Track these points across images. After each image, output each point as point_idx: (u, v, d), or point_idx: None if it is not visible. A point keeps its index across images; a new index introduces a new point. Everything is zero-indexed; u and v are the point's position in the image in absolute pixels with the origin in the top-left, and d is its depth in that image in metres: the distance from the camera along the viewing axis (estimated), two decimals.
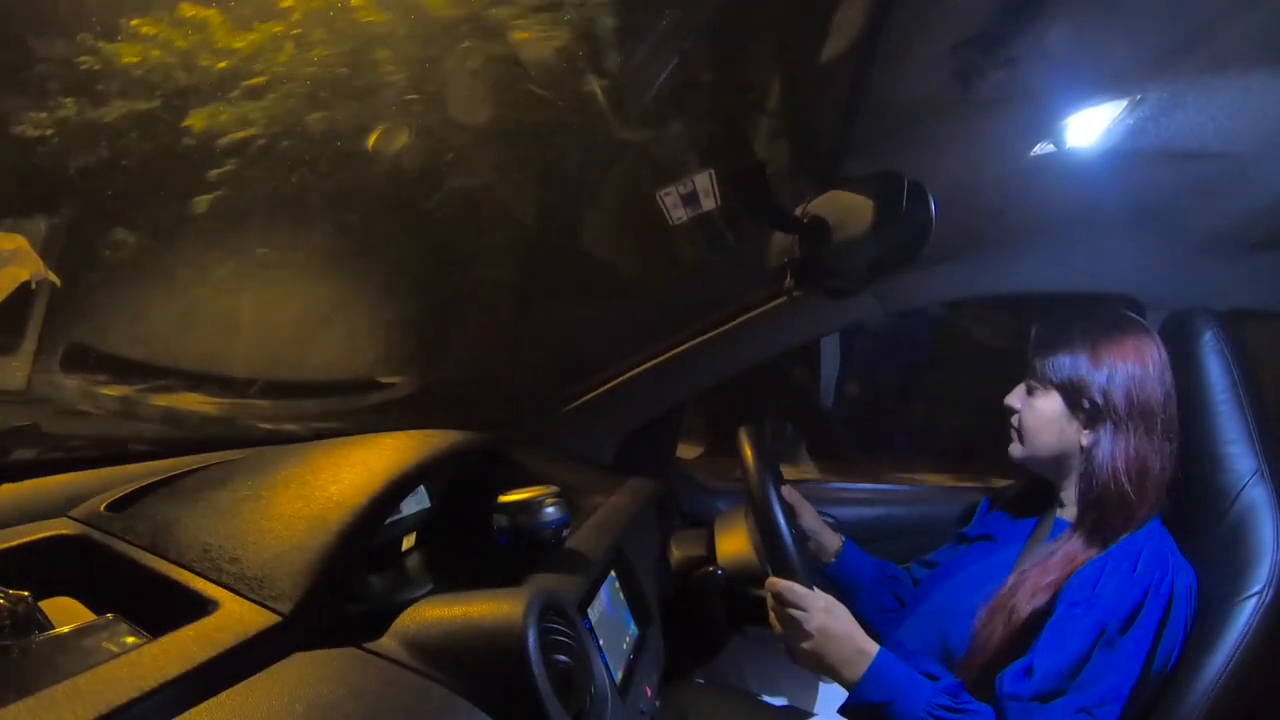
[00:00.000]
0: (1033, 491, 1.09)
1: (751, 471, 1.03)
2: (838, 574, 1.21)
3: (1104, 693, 0.84)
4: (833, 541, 1.22)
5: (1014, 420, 1.04)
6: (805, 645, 0.92)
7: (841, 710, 0.95)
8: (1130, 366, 0.95)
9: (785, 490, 1.19)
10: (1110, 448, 0.94)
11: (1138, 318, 1.03)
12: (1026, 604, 0.90)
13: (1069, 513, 1.00)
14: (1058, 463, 1.01)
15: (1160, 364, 0.97)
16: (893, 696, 0.88)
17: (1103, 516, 0.94)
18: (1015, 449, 1.04)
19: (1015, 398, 1.04)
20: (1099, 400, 0.95)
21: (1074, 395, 0.97)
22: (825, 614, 0.92)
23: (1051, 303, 1.26)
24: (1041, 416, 1.00)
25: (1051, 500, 1.04)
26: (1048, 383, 0.99)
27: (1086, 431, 0.97)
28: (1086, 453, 0.97)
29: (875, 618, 1.17)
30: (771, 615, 0.96)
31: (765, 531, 0.99)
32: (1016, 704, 0.86)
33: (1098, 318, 1.01)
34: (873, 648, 0.91)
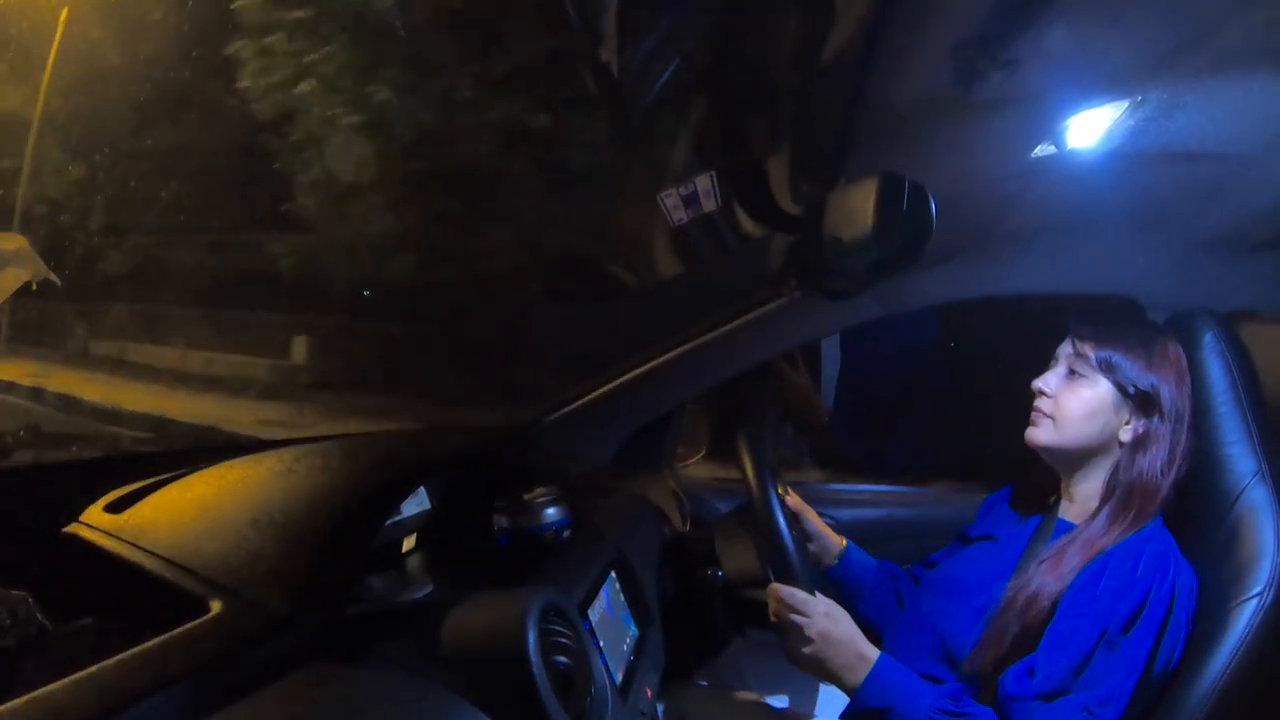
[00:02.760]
0: (1034, 492, 1.09)
1: (752, 475, 1.03)
2: (840, 576, 1.21)
3: (1106, 692, 0.84)
4: (835, 544, 1.22)
5: (1044, 405, 1.00)
6: (806, 650, 0.92)
7: (843, 717, 0.95)
8: (1173, 373, 0.97)
9: (789, 499, 1.19)
10: (1155, 444, 0.95)
11: (1165, 328, 1.05)
12: (1046, 594, 0.90)
13: (1073, 512, 1.00)
14: (1084, 454, 0.99)
15: (1188, 372, 0.99)
16: (893, 702, 0.88)
17: (1128, 506, 0.93)
18: (1042, 434, 0.99)
19: (1049, 381, 1.00)
20: (1151, 394, 0.95)
21: (1125, 387, 0.96)
22: (826, 619, 0.92)
23: (1067, 301, 1.26)
24: (1088, 405, 0.97)
25: (1054, 500, 1.04)
26: (1096, 371, 0.97)
27: (1130, 425, 0.96)
28: (1127, 447, 0.96)
29: (879, 619, 1.17)
30: (772, 619, 0.96)
31: (766, 535, 0.99)
32: (1019, 704, 0.86)
33: (1141, 322, 1.04)
34: (873, 653, 0.91)
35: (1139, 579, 0.87)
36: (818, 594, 0.94)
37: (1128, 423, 0.96)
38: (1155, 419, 0.95)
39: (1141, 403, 0.96)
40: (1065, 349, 1.01)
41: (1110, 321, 1.02)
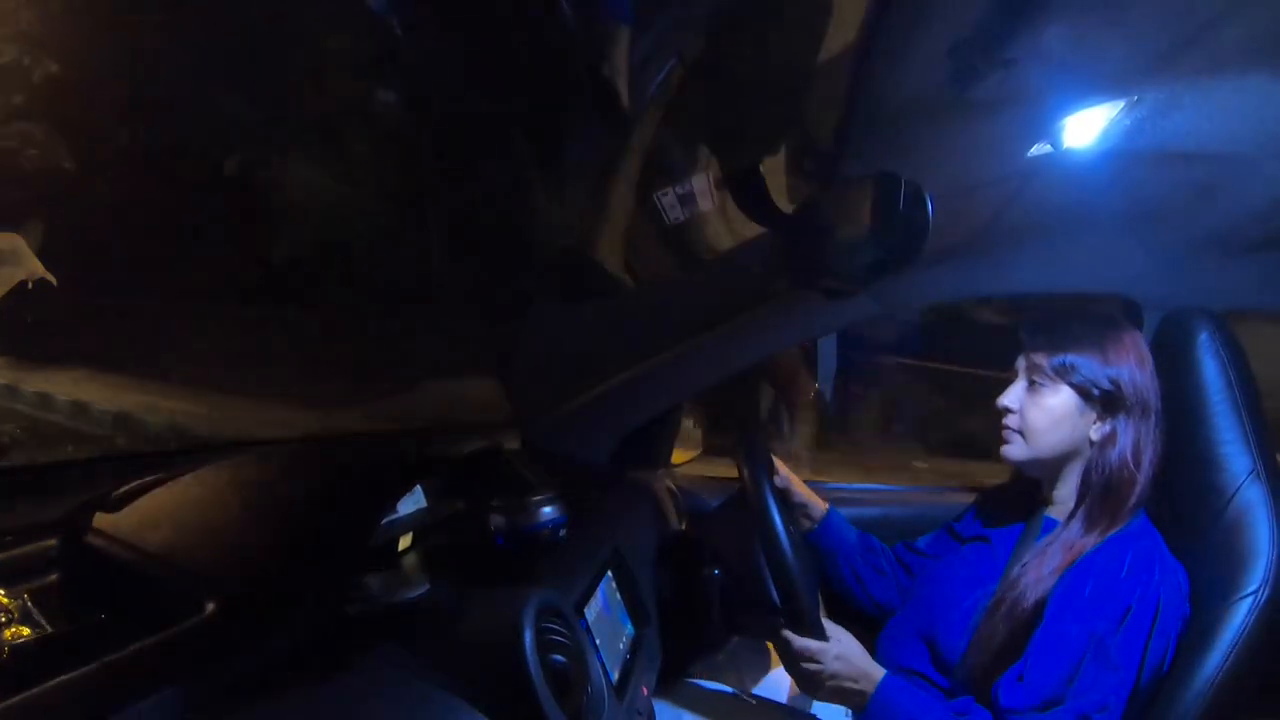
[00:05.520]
0: (1020, 492, 1.09)
1: (750, 481, 1.02)
2: (818, 540, 1.23)
3: (1101, 698, 0.84)
4: (818, 510, 1.24)
5: (1010, 422, 1.00)
6: (821, 693, 0.95)
7: None
8: (1132, 360, 0.96)
9: (777, 478, 1.19)
10: (1124, 438, 0.94)
11: (1118, 314, 1.04)
12: (1029, 596, 0.91)
13: (1058, 510, 1.00)
14: (1059, 460, 0.99)
15: (1149, 357, 0.99)
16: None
17: (1105, 503, 0.94)
18: (1015, 450, 1.00)
19: (1012, 398, 1.00)
20: (1112, 391, 0.95)
21: (1086, 389, 0.96)
22: (838, 661, 0.94)
23: (1032, 301, 1.27)
24: (1052, 413, 0.97)
25: (1039, 501, 1.04)
26: (1055, 379, 0.97)
27: (1098, 425, 0.96)
28: (1097, 446, 0.96)
29: (852, 585, 1.21)
30: (785, 667, 0.99)
31: (780, 582, 0.98)
32: (1017, 717, 0.86)
33: (1092, 315, 1.02)
34: (878, 674, 0.93)
35: (1124, 582, 0.87)
36: (826, 626, 0.96)
37: (1096, 422, 0.96)
38: (1121, 414, 0.95)
39: (1106, 401, 0.96)
40: (1021, 362, 1.01)
41: (1060, 323, 1.01)
